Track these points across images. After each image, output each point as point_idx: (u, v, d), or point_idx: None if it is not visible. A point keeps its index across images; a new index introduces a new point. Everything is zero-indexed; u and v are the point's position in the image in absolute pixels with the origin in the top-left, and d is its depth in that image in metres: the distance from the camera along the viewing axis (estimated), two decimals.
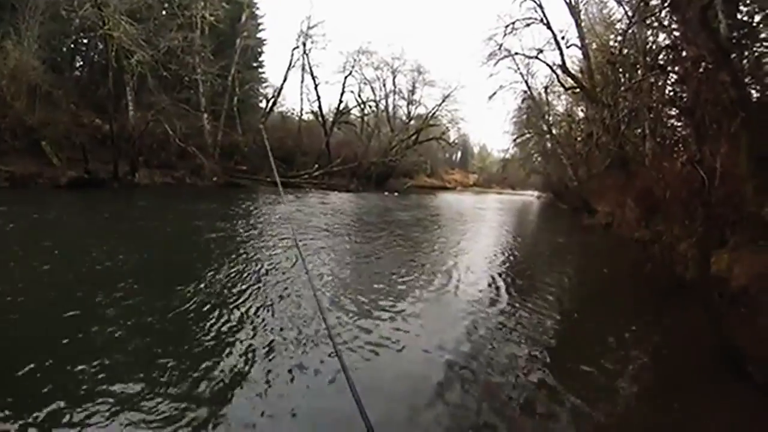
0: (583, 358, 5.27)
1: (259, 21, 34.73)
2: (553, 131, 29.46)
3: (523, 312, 6.85)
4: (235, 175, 27.80)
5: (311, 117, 39.75)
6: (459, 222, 19.48)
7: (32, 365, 4.03)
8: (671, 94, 13.23)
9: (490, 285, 8.42)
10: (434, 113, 45.30)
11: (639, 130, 17.17)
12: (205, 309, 5.84)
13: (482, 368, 4.87)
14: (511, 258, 11.94)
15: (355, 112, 43.70)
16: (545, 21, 23.56)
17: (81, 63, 26.78)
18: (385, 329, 5.71)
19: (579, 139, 25.88)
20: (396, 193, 34.84)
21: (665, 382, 4.89)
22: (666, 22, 12.93)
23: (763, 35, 11.58)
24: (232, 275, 7.54)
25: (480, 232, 17.18)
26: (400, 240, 12.70)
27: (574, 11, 22.82)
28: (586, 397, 4.32)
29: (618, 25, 18.89)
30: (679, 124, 13.87)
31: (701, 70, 10.00)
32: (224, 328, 5.29)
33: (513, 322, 6.40)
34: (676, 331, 6.29)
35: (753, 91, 11.14)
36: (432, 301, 7.20)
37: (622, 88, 14.51)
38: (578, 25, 22.88)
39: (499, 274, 9.40)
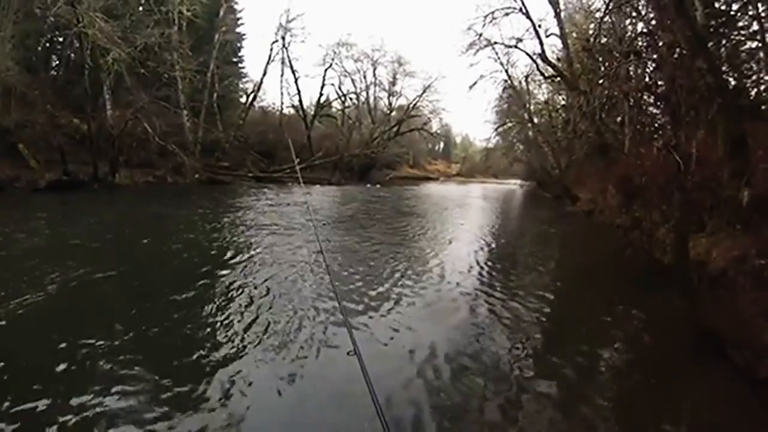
0: (565, 342, 5.43)
1: (238, 15, 34.39)
2: (534, 120, 29.67)
3: (507, 297, 6.94)
4: (217, 172, 27.57)
5: (292, 111, 39.62)
6: (442, 213, 19.56)
7: None
8: (648, 80, 13.39)
9: (478, 272, 8.57)
10: (415, 104, 45.27)
11: (619, 118, 17.34)
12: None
13: (465, 350, 4.97)
14: (496, 247, 12.07)
15: (336, 104, 43.67)
16: (524, 10, 23.63)
17: (57, 62, 26.01)
18: (383, 311, 6.06)
19: (560, 127, 26.07)
20: (378, 185, 34.80)
21: (646, 365, 5.01)
22: (643, 11, 13.09)
23: (740, 23, 11.81)
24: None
25: (464, 222, 17.17)
26: (389, 233, 12.74)
27: (552, 0, 22.91)
28: (567, 380, 4.44)
29: (597, 15, 19.02)
30: (657, 111, 14.07)
31: (676, 56, 10.17)
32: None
33: (498, 306, 6.49)
34: (656, 315, 6.40)
35: (730, 79, 11.40)
36: (420, 288, 7.29)
37: (600, 76, 14.60)
38: (557, 14, 23.02)
39: (485, 262, 9.56)
